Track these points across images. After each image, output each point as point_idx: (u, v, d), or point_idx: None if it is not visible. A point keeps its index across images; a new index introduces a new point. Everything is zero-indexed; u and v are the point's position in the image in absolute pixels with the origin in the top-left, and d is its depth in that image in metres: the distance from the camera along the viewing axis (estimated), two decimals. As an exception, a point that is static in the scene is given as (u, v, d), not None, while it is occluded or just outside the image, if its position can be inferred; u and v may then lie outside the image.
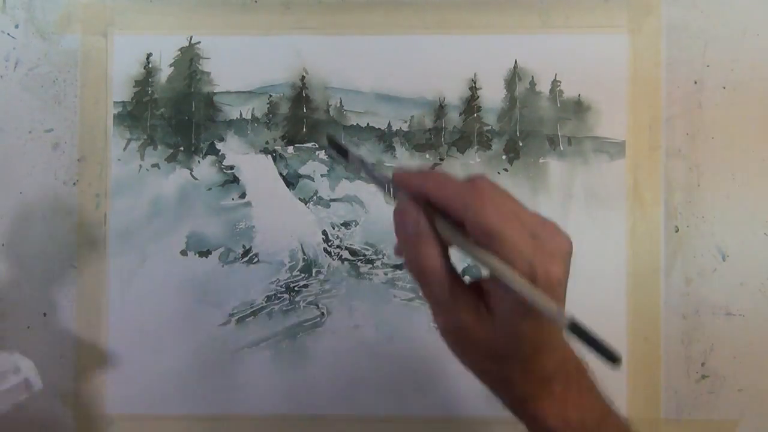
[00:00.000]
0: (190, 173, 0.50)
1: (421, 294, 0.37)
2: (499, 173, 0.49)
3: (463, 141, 0.50)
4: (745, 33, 0.49)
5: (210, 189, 0.50)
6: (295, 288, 0.50)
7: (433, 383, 0.49)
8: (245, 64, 0.50)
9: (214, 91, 0.50)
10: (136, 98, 0.50)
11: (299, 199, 0.50)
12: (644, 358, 0.48)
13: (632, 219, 0.49)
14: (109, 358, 0.49)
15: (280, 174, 0.50)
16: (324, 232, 0.50)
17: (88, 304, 0.50)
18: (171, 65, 0.50)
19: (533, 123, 0.49)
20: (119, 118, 0.50)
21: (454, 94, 0.49)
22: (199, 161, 0.50)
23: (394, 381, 0.49)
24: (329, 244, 0.50)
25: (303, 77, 0.50)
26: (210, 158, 0.50)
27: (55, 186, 0.50)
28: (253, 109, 0.50)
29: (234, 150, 0.50)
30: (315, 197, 0.50)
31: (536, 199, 0.49)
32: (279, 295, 0.50)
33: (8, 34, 0.50)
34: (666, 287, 0.48)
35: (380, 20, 0.50)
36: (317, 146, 0.50)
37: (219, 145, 0.50)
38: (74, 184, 0.50)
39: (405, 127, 0.50)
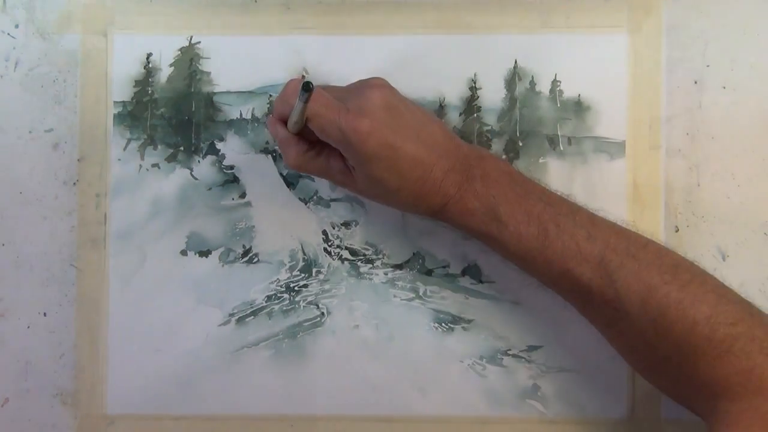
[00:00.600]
0: (190, 173, 0.50)
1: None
2: (499, 173, 0.49)
3: (463, 141, 0.49)
4: (745, 33, 0.49)
5: (210, 189, 0.50)
6: (295, 288, 0.50)
7: (433, 383, 0.49)
8: (245, 64, 0.50)
9: (214, 91, 0.50)
10: (136, 98, 0.50)
11: (299, 199, 0.50)
12: (644, 358, 0.48)
13: (632, 219, 0.49)
14: (109, 358, 0.49)
15: (280, 174, 0.50)
16: (324, 232, 0.50)
17: (88, 304, 0.50)
18: (171, 65, 0.50)
19: (533, 123, 0.49)
20: (119, 118, 0.50)
21: (454, 94, 0.49)
22: (199, 161, 0.50)
23: (394, 381, 0.49)
24: (329, 244, 0.50)
25: (303, 77, 0.50)
26: (210, 158, 0.50)
27: (55, 186, 0.50)
28: (253, 109, 0.50)
29: (234, 150, 0.50)
30: (315, 197, 0.50)
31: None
32: (279, 295, 0.50)
33: (8, 34, 0.51)
34: (666, 287, 0.48)
35: (380, 20, 0.50)
36: (317, 146, 0.50)
37: (219, 145, 0.50)
38: (74, 184, 0.50)
39: (405, 127, 0.49)
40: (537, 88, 0.49)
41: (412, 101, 0.43)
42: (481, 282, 0.49)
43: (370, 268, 0.50)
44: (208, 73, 0.50)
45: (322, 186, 0.50)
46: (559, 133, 0.49)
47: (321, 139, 0.42)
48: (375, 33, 0.50)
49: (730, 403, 0.37)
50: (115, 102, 0.50)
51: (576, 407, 0.49)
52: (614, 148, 0.49)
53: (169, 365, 0.49)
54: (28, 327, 0.50)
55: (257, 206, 0.50)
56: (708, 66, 0.49)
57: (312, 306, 0.50)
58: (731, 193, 0.49)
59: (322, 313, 0.50)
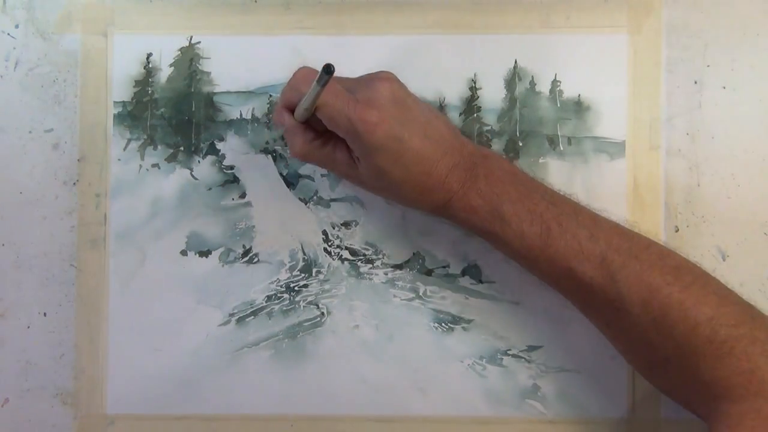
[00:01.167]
0: (190, 173, 0.50)
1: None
2: (499, 173, 0.49)
3: (463, 141, 0.49)
4: (745, 33, 0.49)
5: (210, 189, 0.50)
6: (295, 288, 0.50)
7: (433, 383, 0.49)
8: (245, 64, 0.50)
9: (214, 91, 0.50)
10: (136, 98, 0.50)
11: (299, 199, 0.50)
12: (644, 358, 0.48)
13: (632, 219, 0.49)
14: (109, 358, 0.49)
15: (280, 174, 0.50)
16: (324, 232, 0.50)
17: (88, 304, 0.50)
18: (171, 65, 0.50)
19: (533, 123, 0.49)
20: (119, 118, 0.50)
21: (454, 94, 0.49)
22: (199, 161, 0.50)
23: (394, 381, 0.49)
24: (329, 244, 0.50)
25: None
26: (210, 158, 0.50)
27: (55, 186, 0.50)
28: (253, 109, 0.50)
29: (234, 150, 0.50)
30: (315, 197, 0.50)
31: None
32: (279, 295, 0.50)
33: (8, 34, 0.51)
34: (666, 287, 0.48)
35: (380, 20, 0.50)
36: (317, 146, 0.50)
37: (219, 145, 0.50)
38: (74, 184, 0.50)
39: (405, 127, 0.49)
40: (537, 88, 0.49)
41: (418, 97, 0.43)
42: (481, 282, 0.49)
43: (370, 268, 0.50)
44: (208, 73, 0.50)
45: (322, 186, 0.50)
46: (559, 133, 0.49)
47: (327, 130, 0.42)
48: (375, 33, 0.50)
49: (731, 405, 0.37)
50: (115, 102, 0.50)
51: (576, 407, 0.49)
52: (614, 148, 0.49)
53: (169, 365, 0.49)
54: (28, 327, 0.50)
55: (257, 206, 0.50)
56: (708, 66, 0.49)
57: (312, 306, 0.50)
58: (731, 193, 0.49)
59: (322, 313, 0.50)
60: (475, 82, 0.50)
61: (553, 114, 0.49)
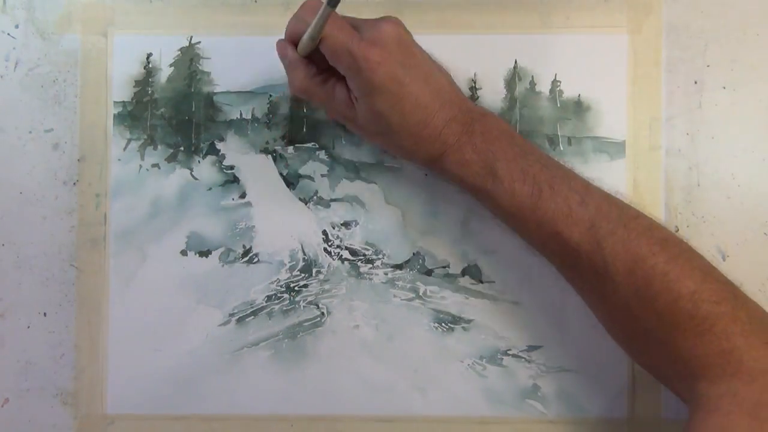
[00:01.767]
0: (190, 173, 0.50)
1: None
2: (499, 173, 0.49)
3: (463, 141, 0.49)
4: (745, 33, 0.49)
5: (210, 189, 0.50)
6: (295, 288, 0.50)
7: (433, 383, 0.49)
8: (245, 64, 0.50)
9: (214, 91, 0.50)
10: (136, 98, 0.50)
11: (299, 199, 0.50)
12: (644, 358, 0.48)
13: (632, 219, 0.49)
14: (109, 358, 0.49)
15: (280, 174, 0.50)
16: (324, 232, 0.50)
17: (88, 304, 0.50)
18: (171, 65, 0.50)
19: (533, 123, 0.49)
20: (119, 118, 0.50)
21: (454, 94, 0.49)
22: (199, 161, 0.50)
23: (394, 381, 0.49)
24: (329, 244, 0.50)
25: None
26: (210, 158, 0.50)
27: (55, 186, 0.50)
28: (253, 109, 0.50)
29: (234, 150, 0.50)
30: (315, 197, 0.50)
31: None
32: (279, 295, 0.50)
33: (8, 34, 0.51)
34: (666, 287, 0.48)
35: (380, 20, 0.50)
36: (317, 146, 0.50)
37: (219, 145, 0.50)
38: (74, 184, 0.50)
39: (405, 127, 0.49)
40: (537, 88, 0.49)
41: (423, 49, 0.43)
42: (481, 282, 0.49)
43: (370, 268, 0.50)
44: (208, 73, 0.50)
45: (322, 186, 0.50)
46: (559, 133, 0.49)
47: (329, 67, 0.42)
48: (375, 33, 0.50)
49: (708, 385, 0.37)
50: (115, 102, 0.50)
51: (576, 407, 0.49)
52: (614, 148, 0.49)
53: (169, 365, 0.49)
54: (28, 327, 0.50)
55: (257, 206, 0.50)
56: (708, 66, 0.49)
57: (312, 306, 0.50)
58: (731, 193, 0.49)
59: (322, 313, 0.50)
60: (475, 82, 0.50)
61: (553, 114, 0.49)
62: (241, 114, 0.50)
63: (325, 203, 0.50)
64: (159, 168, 0.50)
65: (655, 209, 0.49)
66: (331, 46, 0.39)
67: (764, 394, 0.36)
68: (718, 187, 0.49)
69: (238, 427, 0.49)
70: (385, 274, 0.50)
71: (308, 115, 0.50)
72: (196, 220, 0.50)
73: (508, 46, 0.49)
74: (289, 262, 0.50)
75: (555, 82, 0.49)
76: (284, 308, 0.50)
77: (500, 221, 0.44)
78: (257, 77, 0.50)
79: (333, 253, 0.50)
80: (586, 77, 0.49)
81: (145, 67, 0.50)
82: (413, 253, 0.50)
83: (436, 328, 0.49)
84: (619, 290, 0.39)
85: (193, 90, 0.50)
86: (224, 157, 0.50)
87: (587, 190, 0.41)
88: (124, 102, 0.50)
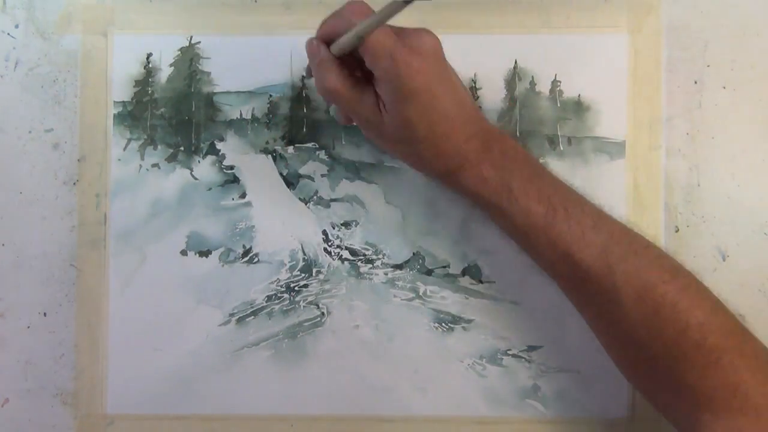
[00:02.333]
0: (190, 173, 0.50)
1: (340, 115, 0.46)
2: (499, 173, 0.49)
3: (463, 141, 0.49)
4: (745, 33, 0.49)
5: (210, 189, 0.50)
6: (295, 288, 0.50)
7: (433, 383, 0.49)
8: (245, 64, 0.50)
9: (214, 91, 0.50)
10: (136, 98, 0.50)
11: (299, 199, 0.50)
12: (644, 358, 0.48)
13: (632, 219, 0.49)
14: (109, 358, 0.49)
15: (280, 174, 0.50)
16: (324, 232, 0.50)
17: (88, 304, 0.50)
18: (171, 65, 0.50)
19: (533, 123, 0.49)
20: (119, 118, 0.50)
21: (454, 94, 0.49)
22: (199, 161, 0.50)
23: (394, 381, 0.49)
24: (329, 244, 0.50)
25: (303, 77, 0.50)
26: (210, 158, 0.50)
27: (55, 186, 0.50)
28: (253, 109, 0.50)
29: (234, 150, 0.50)
30: (315, 197, 0.50)
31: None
32: (279, 295, 0.50)
33: (8, 34, 0.51)
34: (666, 287, 0.48)
35: (380, 20, 0.50)
36: (317, 146, 0.50)
37: (219, 145, 0.50)
38: (74, 184, 0.50)
39: (405, 127, 0.49)
40: (537, 88, 0.49)
41: None
42: (481, 282, 0.49)
43: (370, 268, 0.50)
44: (208, 73, 0.50)
45: (322, 186, 0.50)
46: (559, 133, 0.49)
47: (355, 73, 0.42)
48: (375, 33, 0.50)
49: (713, 419, 0.37)
50: (115, 102, 0.50)
51: (576, 407, 0.49)
52: (614, 148, 0.49)
53: (169, 365, 0.49)
54: (28, 327, 0.50)
55: (257, 206, 0.50)
56: (708, 66, 0.49)
57: (312, 306, 0.50)
58: (731, 193, 0.49)
59: (322, 313, 0.50)
60: (475, 82, 0.50)
61: (553, 114, 0.49)
62: (241, 114, 0.50)
63: (325, 203, 0.50)
64: (159, 168, 0.50)
65: (655, 209, 0.49)
66: (373, 48, 0.39)
67: None
68: (718, 187, 0.49)
69: (238, 427, 0.49)
70: (385, 274, 0.50)
71: (308, 115, 0.50)
72: (196, 220, 0.50)
73: (508, 46, 0.49)
74: (289, 262, 0.50)
75: (555, 82, 0.49)
76: (284, 308, 0.50)
77: (511, 238, 0.44)
78: (257, 77, 0.50)
79: (333, 253, 0.50)
80: (586, 77, 0.49)
81: (145, 67, 0.50)
82: (413, 253, 0.50)
83: (436, 328, 0.49)
84: (628, 316, 0.39)
85: (193, 90, 0.50)
86: (224, 157, 0.50)
87: (600, 215, 0.42)
88: (124, 102, 0.50)
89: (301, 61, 0.50)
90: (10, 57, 0.50)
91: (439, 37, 0.41)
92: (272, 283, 0.50)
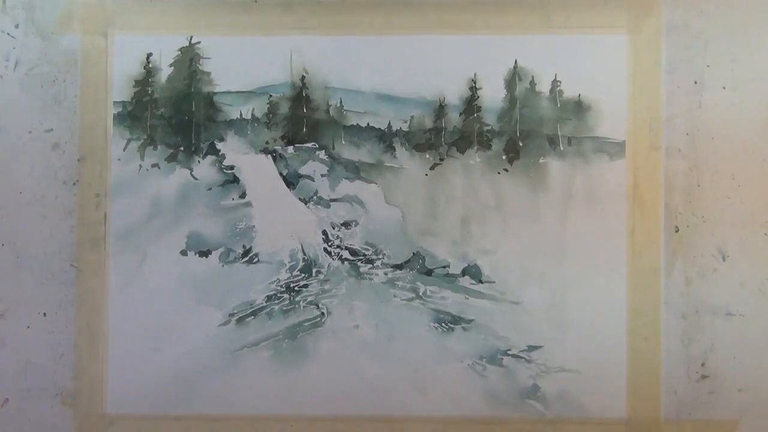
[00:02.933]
0: (190, 173, 0.50)
1: None
2: (499, 173, 0.49)
3: (463, 141, 0.50)
4: (745, 33, 0.49)
5: (210, 189, 0.50)
6: (295, 288, 0.50)
7: (433, 383, 0.49)
8: (245, 64, 0.50)
9: (214, 91, 0.50)
10: (136, 98, 0.50)
11: (299, 199, 0.50)
12: (644, 358, 0.48)
13: (632, 219, 0.49)
14: (109, 358, 0.49)
15: (280, 174, 0.50)
16: (324, 232, 0.50)
17: (88, 304, 0.50)
18: (171, 65, 0.50)
19: (533, 123, 0.49)
20: (119, 118, 0.50)
21: (454, 94, 0.49)
22: (199, 161, 0.50)
23: (394, 381, 0.49)
24: (329, 244, 0.50)
25: (303, 77, 0.50)
26: (210, 158, 0.50)
27: (55, 186, 0.50)
28: (253, 109, 0.50)
29: (234, 150, 0.50)
30: (315, 197, 0.50)
31: (536, 199, 0.49)
32: (279, 295, 0.50)
33: (8, 34, 0.50)
34: (666, 287, 0.49)
35: (380, 20, 0.50)
36: (317, 146, 0.50)
37: (219, 145, 0.50)
38: (74, 184, 0.50)
39: (405, 127, 0.50)
40: (537, 88, 0.49)
41: None
42: (481, 282, 0.49)
43: (370, 268, 0.50)
44: (208, 73, 0.50)
45: (322, 186, 0.50)
46: (559, 133, 0.49)
47: None
48: (375, 33, 0.50)
49: None
50: (115, 102, 0.50)
51: (576, 407, 0.49)
52: (614, 148, 0.49)
53: (169, 365, 0.49)
54: (28, 327, 0.50)
55: (257, 206, 0.50)
56: (708, 66, 0.49)
57: (312, 306, 0.50)
58: (731, 193, 0.49)
59: (322, 313, 0.50)
60: (475, 82, 0.50)
61: (553, 114, 0.49)
62: (241, 114, 0.50)
63: (325, 203, 0.50)
64: (159, 168, 0.50)
65: (655, 209, 0.49)
66: None
67: None
68: (718, 187, 0.49)
69: (238, 427, 0.49)
70: (385, 274, 0.50)
71: (308, 115, 0.50)
72: (196, 220, 0.50)
73: (508, 46, 0.49)
74: (289, 262, 0.50)
75: (555, 82, 0.49)
76: (284, 308, 0.50)
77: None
78: (257, 77, 0.50)
79: (333, 253, 0.50)
80: (586, 77, 0.49)
81: (145, 67, 0.50)
82: (413, 253, 0.50)
83: (436, 328, 0.49)
84: None
85: (193, 90, 0.50)
86: (224, 157, 0.50)
87: None
88: (124, 102, 0.50)
89: (301, 61, 0.50)
90: (10, 57, 0.50)
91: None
92: (272, 283, 0.50)
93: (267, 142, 0.50)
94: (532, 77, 0.49)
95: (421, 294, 0.49)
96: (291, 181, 0.50)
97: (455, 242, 0.49)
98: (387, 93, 0.50)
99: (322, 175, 0.50)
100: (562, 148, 0.49)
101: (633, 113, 0.49)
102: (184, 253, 0.50)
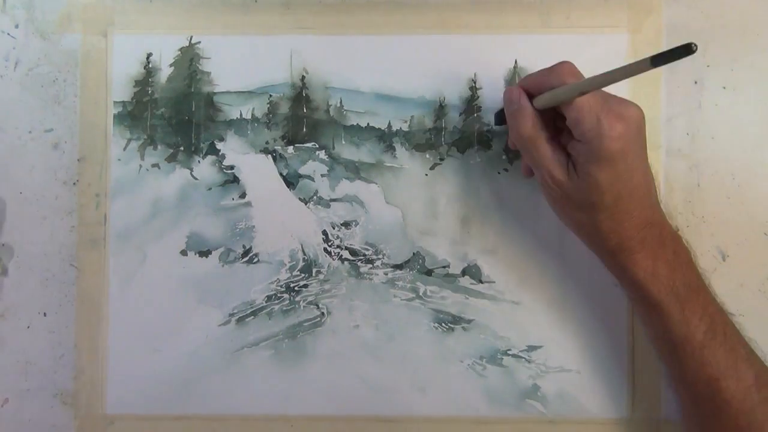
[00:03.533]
0: (190, 173, 0.50)
1: (522, 165, 0.47)
2: (499, 173, 0.49)
3: (463, 141, 0.50)
4: (745, 33, 0.49)
5: (210, 189, 0.50)
6: (295, 288, 0.50)
7: (433, 383, 0.49)
8: (245, 64, 0.50)
9: (214, 91, 0.50)
10: (136, 98, 0.50)
11: (299, 199, 0.50)
12: (645, 358, 0.48)
13: (632, 219, 0.48)
14: (109, 358, 0.49)
15: (280, 174, 0.50)
16: (324, 232, 0.50)
17: (88, 304, 0.50)
18: (171, 65, 0.50)
19: (533, 123, 0.49)
20: (119, 118, 0.50)
21: (454, 94, 0.49)
22: (199, 161, 0.50)
23: (394, 381, 0.49)
24: (329, 244, 0.50)
25: (303, 77, 0.50)
26: (210, 158, 0.50)
27: (55, 186, 0.50)
28: (253, 109, 0.50)
29: (234, 150, 0.50)
30: (315, 197, 0.50)
31: (536, 199, 0.49)
32: (279, 295, 0.50)
33: (8, 34, 0.50)
34: (666, 287, 0.48)
35: (380, 20, 0.50)
36: (317, 146, 0.50)
37: (219, 145, 0.50)
38: (74, 184, 0.50)
39: (405, 127, 0.50)
40: (537, 88, 0.49)
41: None
42: (481, 282, 0.49)
43: (370, 268, 0.50)
44: (208, 73, 0.50)
45: (322, 186, 0.50)
46: (559, 133, 0.49)
47: (549, 127, 0.41)
48: (375, 33, 0.50)
49: None
50: (115, 102, 0.50)
51: (576, 407, 0.49)
52: (614, 148, 0.49)
53: (169, 365, 0.49)
54: (28, 327, 0.50)
55: (257, 206, 0.50)
56: (708, 66, 0.49)
57: (312, 306, 0.50)
58: (731, 193, 0.49)
59: (322, 313, 0.50)
60: (475, 82, 0.50)
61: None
62: (241, 114, 0.50)
63: (325, 203, 0.50)
64: (159, 168, 0.50)
65: (655, 209, 0.49)
66: (579, 106, 0.38)
67: None
68: (718, 187, 0.49)
69: (238, 427, 0.49)
70: (385, 274, 0.50)
71: (308, 115, 0.50)
72: (196, 220, 0.50)
73: (508, 46, 0.49)
74: (289, 262, 0.50)
75: (555, 82, 0.49)
76: (284, 308, 0.50)
77: (655, 345, 0.44)
78: (257, 77, 0.50)
79: (333, 253, 0.50)
80: (586, 77, 0.49)
81: (145, 67, 0.50)
82: (413, 253, 0.50)
83: (436, 328, 0.49)
84: None
85: (193, 90, 0.50)
86: (224, 157, 0.50)
87: (749, 347, 0.41)
88: (124, 102, 0.50)
89: (301, 61, 0.50)
90: (10, 57, 0.50)
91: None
92: (272, 283, 0.50)
93: (267, 142, 0.50)
94: (532, 77, 0.49)
95: (421, 294, 0.49)
96: (291, 181, 0.50)
97: (455, 242, 0.49)
98: (387, 93, 0.50)
99: (322, 175, 0.50)
100: (562, 148, 0.49)
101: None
102: (184, 253, 0.50)
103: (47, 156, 0.50)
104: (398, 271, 0.50)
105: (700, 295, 0.41)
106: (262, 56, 0.50)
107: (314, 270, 0.50)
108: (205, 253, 0.50)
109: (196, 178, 0.50)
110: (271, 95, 0.50)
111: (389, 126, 0.50)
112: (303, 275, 0.50)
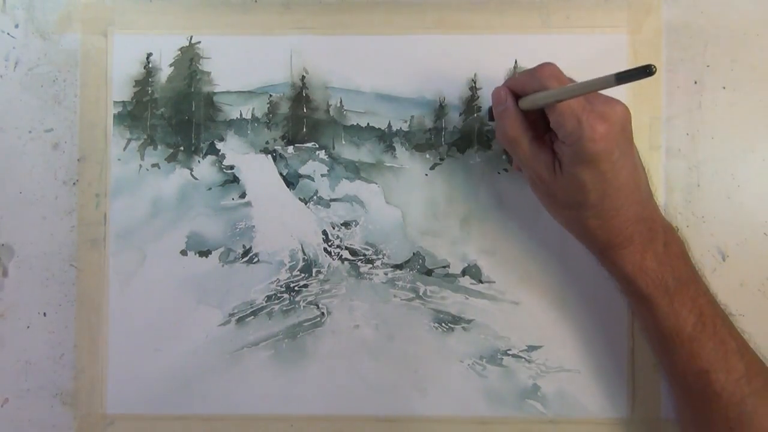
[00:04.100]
0: (190, 173, 0.50)
1: (513, 162, 0.48)
2: (499, 173, 0.49)
3: (463, 141, 0.50)
4: (745, 33, 0.49)
5: (210, 189, 0.50)
6: (295, 288, 0.50)
7: (433, 383, 0.49)
8: (245, 64, 0.50)
9: (214, 91, 0.50)
10: (136, 98, 0.50)
11: (299, 199, 0.50)
12: (645, 358, 0.48)
13: (632, 219, 0.48)
14: (109, 358, 0.49)
15: (280, 174, 0.50)
16: (324, 232, 0.50)
17: (88, 304, 0.50)
18: (171, 65, 0.50)
19: (533, 123, 0.49)
20: (119, 118, 0.50)
21: (454, 94, 0.49)
22: (199, 161, 0.50)
23: (394, 381, 0.49)
24: (329, 244, 0.50)
25: (303, 77, 0.50)
26: (210, 158, 0.50)
27: (55, 186, 0.50)
28: (253, 109, 0.50)
29: (234, 150, 0.50)
30: (315, 197, 0.50)
31: (536, 199, 0.49)
32: (279, 295, 0.50)
33: (8, 33, 0.50)
34: (666, 287, 0.48)
35: (380, 20, 0.50)
36: (317, 146, 0.50)
37: (219, 145, 0.50)
38: (74, 184, 0.50)
39: (405, 127, 0.50)
40: (537, 88, 0.49)
41: None
42: (481, 282, 0.49)
43: (370, 268, 0.50)
44: (208, 73, 0.50)
45: (322, 186, 0.50)
46: (559, 133, 0.49)
47: (535, 128, 0.41)
48: (375, 33, 0.50)
49: None
50: (115, 102, 0.50)
51: (576, 407, 0.49)
52: (614, 148, 0.49)
53: (169, 365, 0.49)
54: (28, 327, 0.50)
55: (257, 206, 0.50)
56: (708, 66, 0.49)
57: (312, 306, 0.50)
58: (731, 193, 0.49)
59: (322, 313, 0.50)
60: (475, 82, 0.50)
61: (553, 114, 0.49)
62: (241, 114, 0.50)
63: (325, 203, 0.50)
64: (159, 168, 0.50)
65: (655, 209, 0.49)
66: (560, 108, 0.38)
67: None
68: (718, 187, 0.49)
69: (238, 427, 0.49)
70: (385, 274, 0.50)
71: (308, 115, 0.50)
72: (196, 220, 0.50)
73: (508, 46, 0.49)
74: (289, 262, 0.50)
75: (555, 82, 0.49)
76: (284, 308, 0.50)
77: (647, 338, 0.44)
78: (257, 77, 0.50)
79: (333, 253, 0.50)
80: (586, 77, 0.49)
81: (145, 67, 0.50)
82: (413, 253, 0.50)
83: (436, 328, 0.49)
84: None
85: (193, 90, 0.50)
86: (224, 157, 0.50)
87: (742, 339, 0.41)
88: (124, 102, 0.50)
89: (301, 61, 0.50)
90: (10, 57, 0.50)
91: (624, 111, 0.39)
92: (272, 283, 0.50)
93: (267, 142, 0.50)
94: (532, 77, 0.49)
95: (421, 294, 0.49)
96: (291, 181, 0.50)
97: (455, 242, 0.49)
98: (387, 93, 0.50)
99: (322, 175, 0.50)
100: (562, 148, 0.49)
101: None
102: (184, 253, 0.50)
103: (47, 156, 0.50)
104: (398, 271, 0.50)
105: (690, 287, 0.41)
106: (262, 56, 0.50)
107: (314, 270, 0.50)
108: (205, 253, 0.50)
109: (196, 178, 0.50)
110: (271, 95, 0.50)
111: (389, 126, 0.50)
112: (303, 275, 0.50)
